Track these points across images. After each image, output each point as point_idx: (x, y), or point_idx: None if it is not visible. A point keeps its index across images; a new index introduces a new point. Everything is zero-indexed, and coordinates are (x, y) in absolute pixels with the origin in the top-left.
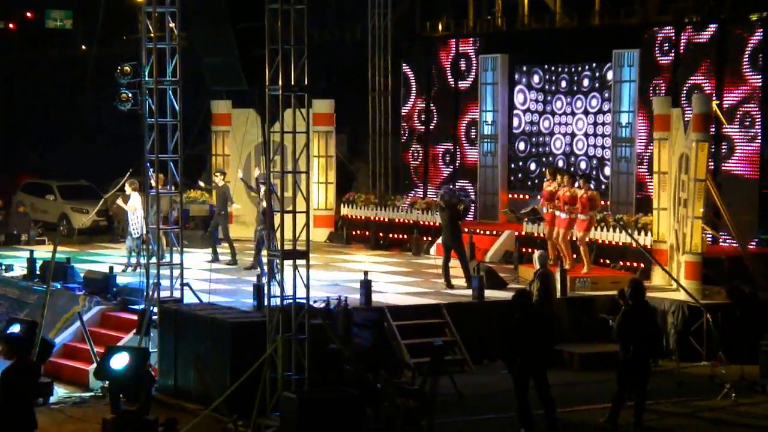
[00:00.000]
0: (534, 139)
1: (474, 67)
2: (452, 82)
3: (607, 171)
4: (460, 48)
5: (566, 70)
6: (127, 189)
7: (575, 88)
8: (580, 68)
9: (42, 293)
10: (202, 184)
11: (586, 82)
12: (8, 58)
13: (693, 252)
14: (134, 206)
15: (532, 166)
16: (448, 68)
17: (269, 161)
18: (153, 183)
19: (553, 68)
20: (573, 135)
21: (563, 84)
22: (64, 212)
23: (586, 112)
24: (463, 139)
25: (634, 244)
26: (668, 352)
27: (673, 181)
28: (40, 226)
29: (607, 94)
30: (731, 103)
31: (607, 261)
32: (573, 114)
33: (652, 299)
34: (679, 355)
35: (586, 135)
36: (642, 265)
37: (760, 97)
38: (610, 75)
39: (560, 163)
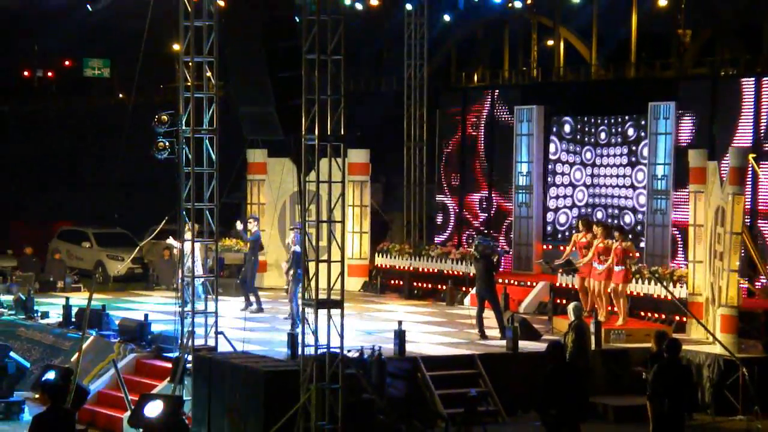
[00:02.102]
0: (569, 191)
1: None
2: (488, 132)
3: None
4: (496, 99)
5: (602, 121)
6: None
7: (611, 139)
8: (615, 120)
9: (77, 340)
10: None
11: (622, 134)
12: (47, 106)
13: (729, 305)
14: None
15: (562, 219)
16: (484, 118)
17: (304, 210)
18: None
19: (588, 120)
20: (608, 186)
21: (599, 135)
22: (100, 259)
23: (621, 164)
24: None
25: (670, 297)
26: (704, 406)
27: (709, 234)
28: (76, 273)
29: (643, 146)
30: None
31: (642, 313)
32: (608, 165)
33: (688, 352)
34: (715, 409)
35: (621, 187)
36: (677, 317)
37: None
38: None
39: (599, 215)
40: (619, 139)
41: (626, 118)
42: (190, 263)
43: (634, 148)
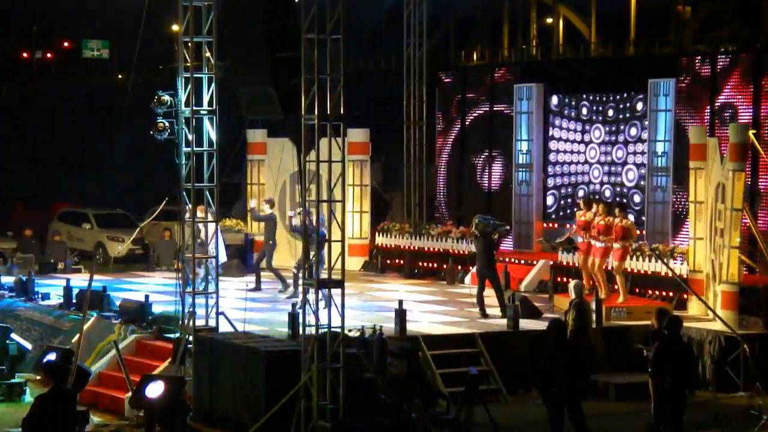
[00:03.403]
0: (568, 169)
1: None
2: (486, 111)
3: (637, 199)
4: (495, 77)
5: (601, 99)
6: (200, 214)
7: (609, 117)
8: (614, 97)
9: (76, 321)
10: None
11: (620, 111)
12: (46, 87)
13: (730, 282)
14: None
15: (550, 199)
16: (483, 97)
17: (304, 190)
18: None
19: (587, 97)
20: (608, 164)
21: (606, 113)
22: (100, 241)
23: (621, 142)
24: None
25: (670, 274)
26: (705, 383)
27: (710, 211)
28: (77, 254)
29: (642, 123)
30: None
31: (643, 291)
32: (607, 143)
33: (689, 329)
34: (716, 386)
35: (622, 164)
36: (678, 294)
37: None
38: (641, 105)
39: (593, 192)
40: (617, 116)
41: (624, 95)
42: (212, 244)
43: (632, 124)
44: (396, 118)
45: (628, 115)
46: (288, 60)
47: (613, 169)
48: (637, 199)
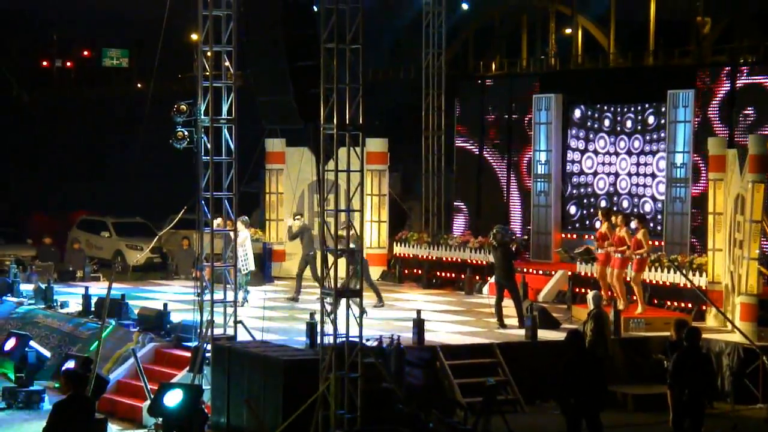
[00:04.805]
0: (584, 179)
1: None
2: (505, 121)
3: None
4: (514, 88)
5: (619, 110)
6: (238, 225)
7: (628, 128)
8: (634, 108)
9: (95, 329)
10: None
11: (641, 122)
12: (65, 95)
13: (748, 293)
14: (242, 241)
15: (572, 209)
16: (502, 107)
17: (323, 199)
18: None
19: (606, 108)
20: (629, 175)
21: (624, 124)
22: (119, 249)
23: (640, 152)
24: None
25: (689, 285)
26: (723, 395)
27: (729, 222)
28: (95, 262)
29: (661, 134)
30: None
31: (662, 302)
32: (626, 153)
33: (707, 341)
34: (735, 398)
35: (639, 175)
36: (697, 306)
37: None
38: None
39: (602, 203)
40: (638, 127)
41: (645, 106)
42: (239, 254)
43: (653, 136)
44: (414, 127)
45: (651, 125)
46: (307, 69)
47: (635, 179)
48: (648, 208)
